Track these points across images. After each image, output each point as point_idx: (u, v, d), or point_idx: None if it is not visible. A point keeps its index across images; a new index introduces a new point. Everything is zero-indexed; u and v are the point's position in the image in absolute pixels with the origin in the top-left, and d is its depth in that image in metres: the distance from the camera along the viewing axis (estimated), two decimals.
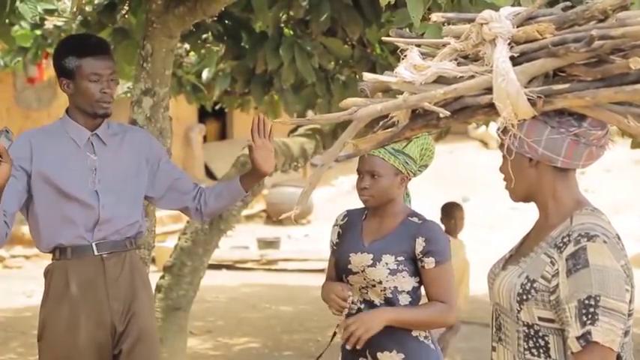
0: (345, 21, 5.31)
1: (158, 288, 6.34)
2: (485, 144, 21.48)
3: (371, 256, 3.52)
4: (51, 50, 7.04)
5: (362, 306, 3.56)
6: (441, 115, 2.24)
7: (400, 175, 3.55)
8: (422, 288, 3.58)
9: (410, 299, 3.53)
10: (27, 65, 7.64)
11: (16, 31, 6.44)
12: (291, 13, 5.68)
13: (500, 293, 2.34)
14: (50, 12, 6.52)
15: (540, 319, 2.26)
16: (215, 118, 19.43)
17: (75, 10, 5.37)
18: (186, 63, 7.59)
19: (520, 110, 2.17)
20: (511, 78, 2.14)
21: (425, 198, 16.45)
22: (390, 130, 2.39)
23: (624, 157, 18.97)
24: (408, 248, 3.51)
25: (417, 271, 3.53)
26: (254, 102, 7.67)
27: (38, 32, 6.70)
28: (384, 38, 2.69)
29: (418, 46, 2.39)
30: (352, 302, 3.56)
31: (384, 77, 2.34)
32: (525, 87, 2.16)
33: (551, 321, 2.25)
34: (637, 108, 2.12)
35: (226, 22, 5.82)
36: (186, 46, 7.06)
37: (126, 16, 5.84)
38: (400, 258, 3.51)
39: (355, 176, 3.62)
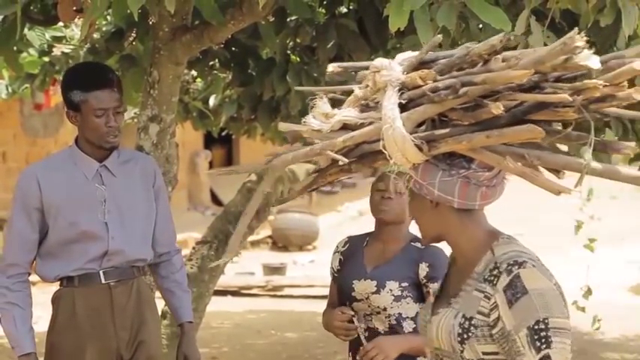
0: (351, 48, 5.30)
1: (164, 314, 6.30)
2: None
3: (375, 282, 3.52)
4: (59, 77, 7.05)
5: (366, 334, 3.56)
6: (340, 163, 2.31)
7: None
8: None
9: (414, 325, 3.53)
10: (34, 92, 7.64)
11: (24, 58, 6.45)
12: (298, 40, 5.69)
13: (439, 337, 2.33)
14: (58, 39, 6.55)
15: (485, 353, 2.26)
16: (221, 145, 19.46)
17: (83, 37, 5.38)
18: (193, 89, 7.60)
19: (409, 155, 2.21)
20: (397, 125, 2.18)
21: None
22: (313, 175, 2.47)
23: (630, 185, 18.92)
24: (411, 274, 3.52)
25: (421, 296, 3.54)
26: (261, 128, 7.68)
27: (46, 59, 6.71)
28: (296, 88, 2.76)
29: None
30: (358, 321, 3.55)
31: (297, 126, 2.41)
32: (413, 132, 2.20)
33: (496, 354, 2.25)
34: (518, 148, 2.15)
35: (233, 48, 5.82)
36: (193, 72, 7.07)
37: (133, 43, 5.86)
38: (404, 284, 3.50)
39: (360, 202, 3.62)
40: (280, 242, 16.52)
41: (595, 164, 2.07)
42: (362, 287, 3.54)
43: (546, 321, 2.17)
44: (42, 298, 5.47)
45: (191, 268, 6.55)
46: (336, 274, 3.71)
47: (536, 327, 2.17)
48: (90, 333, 3.75)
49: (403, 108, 2.22)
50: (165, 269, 4.01)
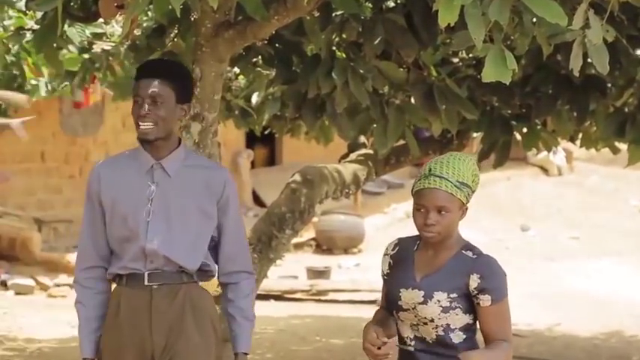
0: (399, 44, 5.23)
1: None
2: (545, 170, 21.12)
3: (422, 293, 3.41)
4: (99, 74, 7.06)
5: (413, 342, 3.47)
6: None
7: (462, 208, 3.42)
8: (477, 323, 3.46)
9: (464, 337, 3.42)
10: (74, 90, 7.66)
11: (64, 55, 6.47)
12: (344, 35, 5.62)
13: None
14: (98, 36, 6.58)
15: None
16: (263, 144, 19.41)
17: (125, 34, 5.38)
18: (236, 87, 7.54)
19: None
20: None
21: (481, 228, 16.17)
22: None
23: None
24: (461, 284, 3.39)
25: (470, 307, 3.41)
26: (305, 127, 7.59)
27: (86, 56, 6.71)
28: None
29: None
30: (387, 340, 3.44)
31: None
32: None
33: None
34: None
35: (277, 45, 5.75)
36: (236, 69, 7.01)
37: (175, 40, 5.86)
38: (453, 295, 3.39)
39: (407, 203, 3.49)
40: (324, 245, 16.41)
41: None
42: (409, 297, 3.44)
43: None
44: None
45: None
46: (385, 278, 3.60)
47: None
48: (129, 334, 3.70)
49: None
50: (232, 292, 3.90)
